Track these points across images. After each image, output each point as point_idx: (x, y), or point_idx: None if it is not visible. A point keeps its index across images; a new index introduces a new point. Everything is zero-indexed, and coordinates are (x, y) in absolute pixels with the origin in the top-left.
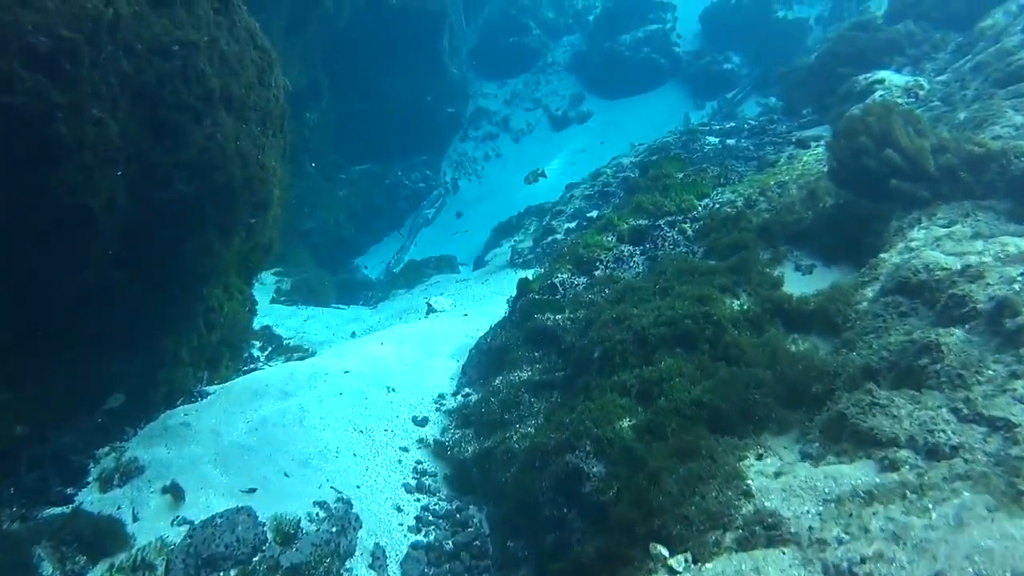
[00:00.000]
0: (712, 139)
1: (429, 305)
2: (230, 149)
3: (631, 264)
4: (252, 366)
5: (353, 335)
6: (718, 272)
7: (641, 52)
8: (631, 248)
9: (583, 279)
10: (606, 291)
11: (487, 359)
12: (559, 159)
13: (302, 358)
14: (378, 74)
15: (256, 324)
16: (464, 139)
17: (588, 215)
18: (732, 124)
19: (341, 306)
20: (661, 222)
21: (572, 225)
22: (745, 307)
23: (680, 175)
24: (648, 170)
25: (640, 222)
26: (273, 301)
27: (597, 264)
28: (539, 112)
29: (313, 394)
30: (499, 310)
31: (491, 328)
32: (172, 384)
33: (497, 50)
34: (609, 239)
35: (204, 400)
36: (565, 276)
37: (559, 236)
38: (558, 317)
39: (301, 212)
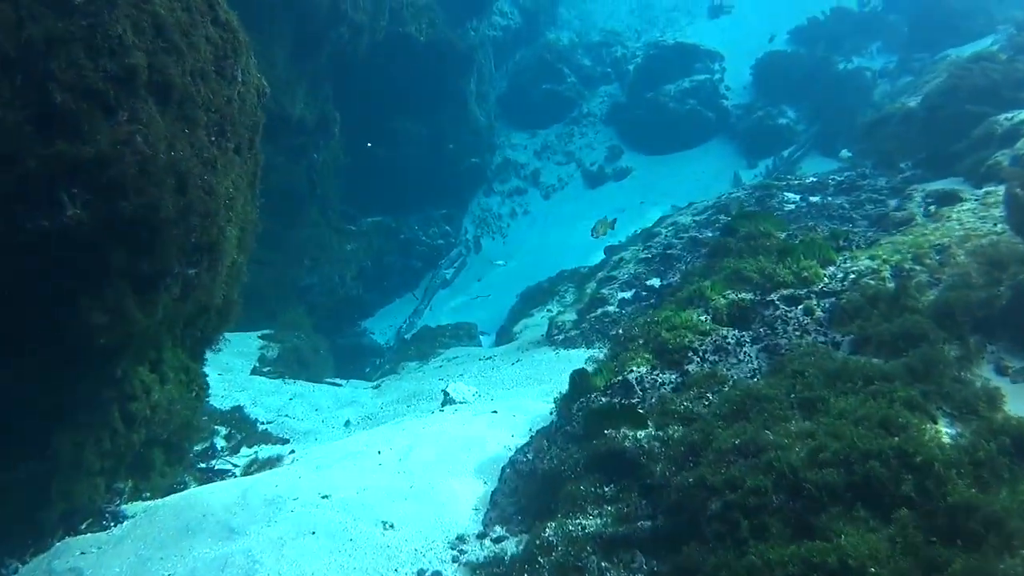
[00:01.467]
0: (792, 195)
1: (446, 394)
2: (158, 162)
3: (740, 357)
4: (210, 463)
5: (347, 424)
6: (893, 377)
7: (686, 104)
8: (736, 333)
9: (671, 376)
10: (711, 398)
11: (530, 487)
12: (593, 219)
13: (271, 463)
14: (396, 116)
15: (227, 402)
16: (489, 193)
17: (648, 283)
18: (813, 179)
19: (338, 381)
20: (775, 297)
21: (628, 295)
22: (960, 440)
23: (782, 235)
24: (737, 228)
25: (743, 296)
26: (255, 372)
27: (690, 355)
28: (572, 167)
29: (271, 533)
30: (538, 406)
31: (533, 437)
32: (72, 500)
33: (528, 98)
34: (701, 318)
35: (117, 528)
36: (643, 371)
37: (611, 308)
38: (640, 436)
39: (301, 265)
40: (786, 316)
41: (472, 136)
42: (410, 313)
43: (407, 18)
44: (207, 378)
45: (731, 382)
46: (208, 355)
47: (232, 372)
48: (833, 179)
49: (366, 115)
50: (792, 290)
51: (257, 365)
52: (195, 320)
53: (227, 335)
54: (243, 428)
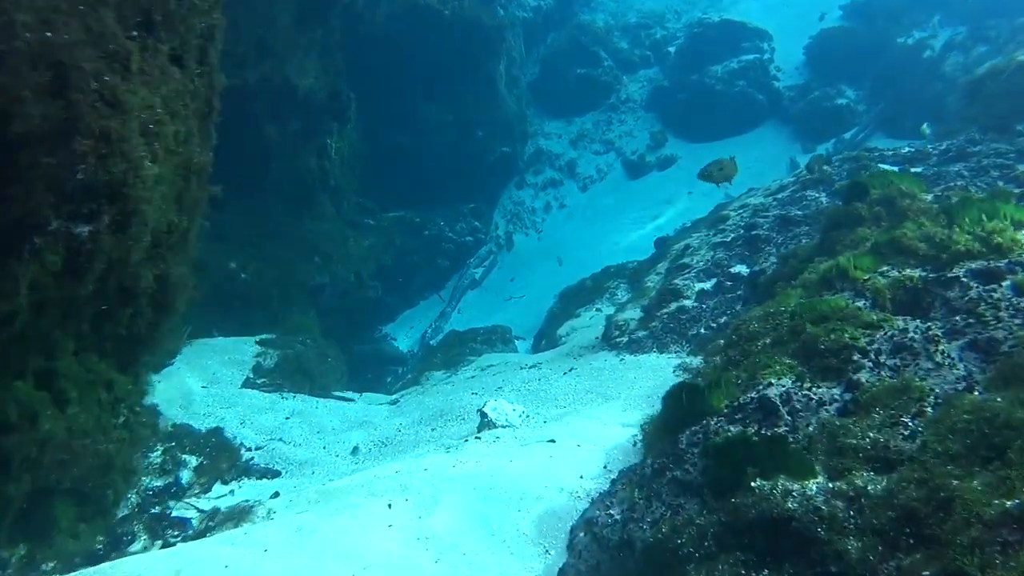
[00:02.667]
0: (888, 166)
1: (483, 415)
2: (15, 38)
3: (936, 359)
4: (170, 506)
5: (355, 451)
6: None
7: (735, 86)
8: (920, 325)
9: (832, 390)
10: (912, 424)
11: (623, 568)
12: (636, 211)
13: (237, 516)
14: (419, 100)
15: (209, 422)
16: (521, 186)
17: (732, 270)
18: (909, 149)
19: (349, 395)
20: (959, 272)
21: (707, 286)
22: None
23: (928, 197)
24: (868, 190)
25: (909, 273)
26: (248, 384)
27: (856, 358)
28: (611, 156)
29: None
30: (611, 432)
31: (615, 481)
32: None
33: (562, 84)
34: (857, 304)
35: None
36: (787, 383)
37: (688, 303)
38: (811, 490)
39: (311, 263)
40: (991, 297)
41: (503, 123)
42: (436, 316)
43: None
44: (156, 395)
45: (937, 398)
46: (189, 364)
47: (219, 384)
48: (935, 148)
49: (386, 98)
50: (983, 262)
51: (251, 376)
52: (113, 312)
53: (218, 340)
54: (222, 457)
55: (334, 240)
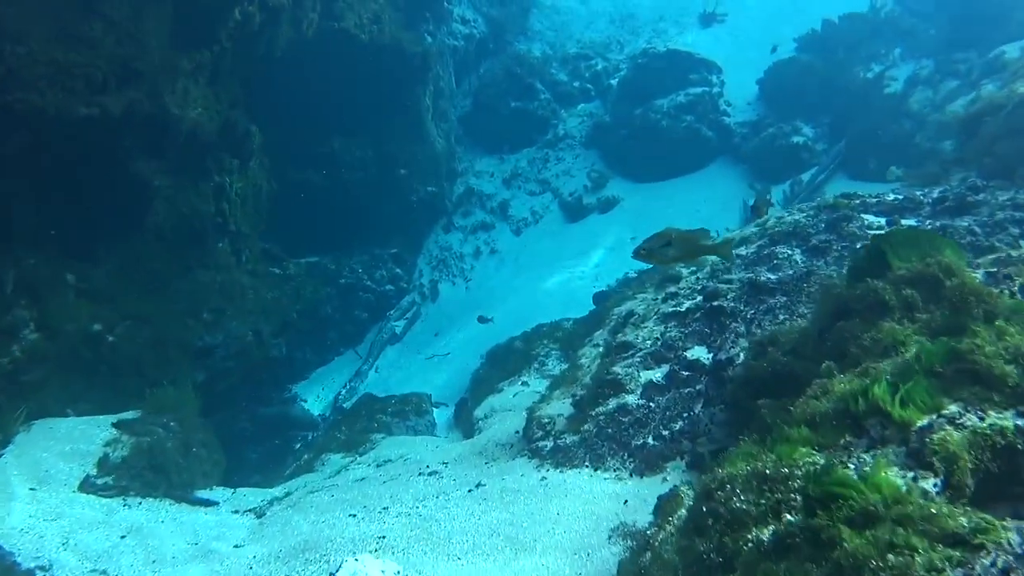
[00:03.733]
0: (873, 218)
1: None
2: None
3: None
4: None
5: None
6: None
7: (682, 121)
8: None
9: None
10: None
11: None
12: (574, 258)
13: None
14: (335, 134)
15: (21, 542)
16: (449, 229)
17: (689, 356)
18: (897, 197)
19: (212, 499)
20: None
21: (657, 376)
22: None
23: (978, 274)
24: (889, 262)
25: (995, 422)
26: (87, 484)
27: None
28: (548, 197)
29: None
30: None
31: None
32: None
33: (495, 118)
34: (922, 486)
35: None
36: None
37: (631, 399)
38: None
39: (198, 320)
40: None
41: (428, 160)
42: (351, 376)
43: (343, 9)
44: None
45: None
46: (20, 456)
47: (51, 485)
48: (925, 195)
49: (297, 132)
50: None
51: (92, 473)
52: None
53: (67, 421)
54: None
55: (229, 293)
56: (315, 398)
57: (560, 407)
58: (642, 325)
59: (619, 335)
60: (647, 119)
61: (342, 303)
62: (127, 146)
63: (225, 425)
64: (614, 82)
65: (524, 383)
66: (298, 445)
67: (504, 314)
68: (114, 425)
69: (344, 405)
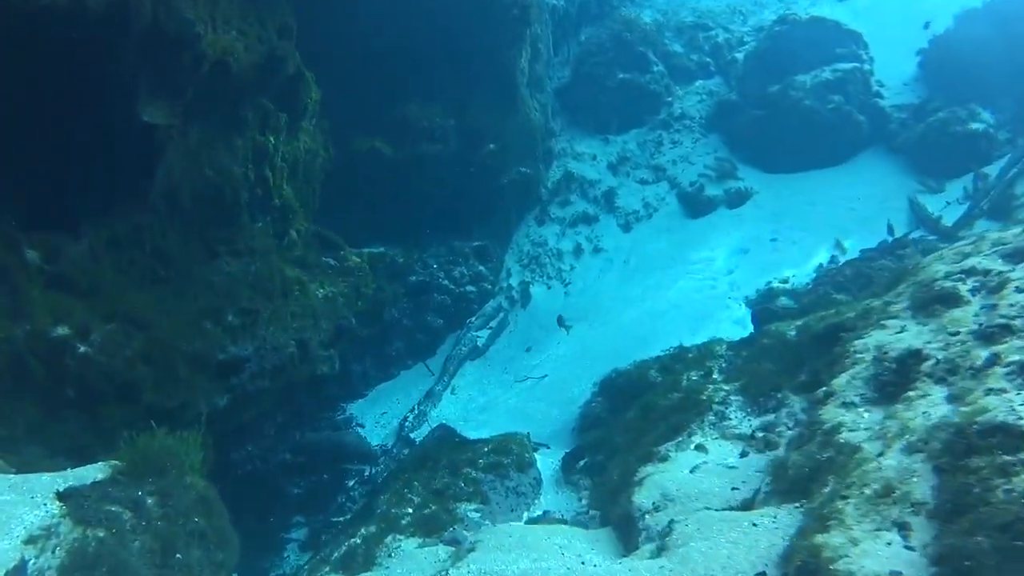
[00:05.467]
0: None
1: None
2: None
3: None
4: None
5: None
6: None
7: (829, 102)
8: None
9: None
10: None
11: None
12: (701, 262)
13: None
14: (409, 96)
15: None
16: (543, 220)
17: None
18: None
19: None
20: None
21: None
22: None
23: None
24: None
25: None
26: None
27: None
28: (663, 186)
29: None
30: None
31: None
32: None
33: (599, 91)
34: None
35: None
36: None
37: None
38: None
39: (220, 324)
40: None
41: (522, 136)
42: (421, 397)
43: None
44: None
45: None
46: None
47: None
48: None
49: (364, 91)
50: None
51: None
52: None
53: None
54: None
55: (267, 288)
56: (374, 423)
57: (880, 555)
58: (982, 377)
59: (916, 393)
60: (786, 98)
61: (412, 306)
62: (124, 72)
63: (257, 460)
64: (739, 56)
65: (700, 447)
66: (352, 482)
67: (615, 329)
68: (58, 496)
69: (411, 435)
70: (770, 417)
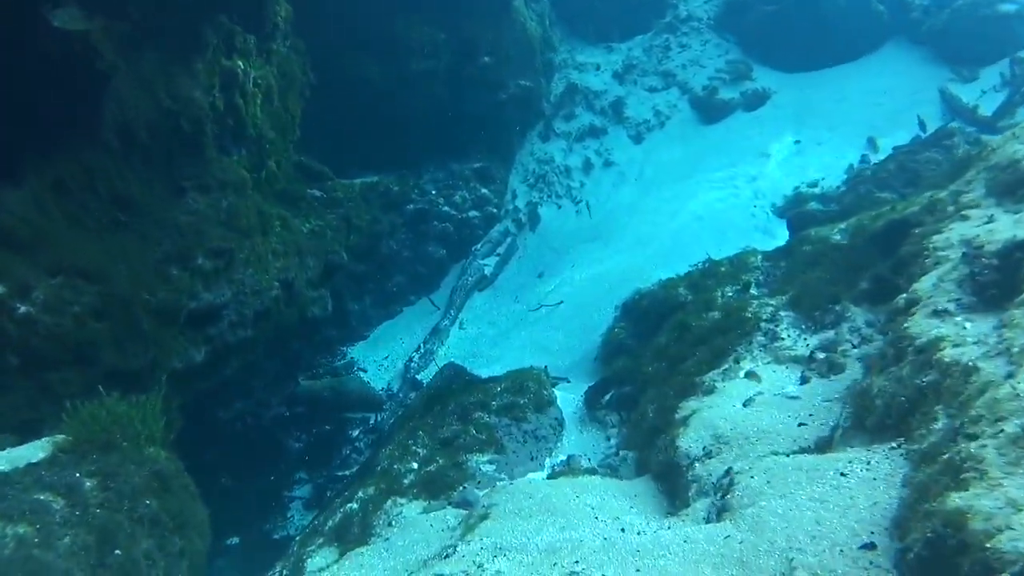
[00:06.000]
0: None
1: None
2: None
3: None
4: None
5: None
6: None
7: None
8: None
9: None
10: None
11: None
12: (721, 168)
13: None
14: (395, 10)
15: None
16: (548, 136)
17: None
18: None
19: None
20: None
21: None
22: None
23: None
24: None
25: None
26: None
27: None
28: (673, 93)
29: None
30: None
31: None
32: None
33: None
34: None
35: None
36: None
37: None
38: None
39: (188, 269)
40: None
41: (519, 46)
42: (427, 334)
43: None
44: None
45: None
46: None
47: None
48: None
49: (342, 6)
50: None
51: None
52: None
53: None
54: None
55: (243, 225)
56: (377, 367)
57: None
58: None
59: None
60: None
61: (411, 236)
62: None
63: (248, 416)
64: None
65: (751, 375)
66: (356, 432)
67: (633, 247)
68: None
69: (418, 376)
70: (829, 334)
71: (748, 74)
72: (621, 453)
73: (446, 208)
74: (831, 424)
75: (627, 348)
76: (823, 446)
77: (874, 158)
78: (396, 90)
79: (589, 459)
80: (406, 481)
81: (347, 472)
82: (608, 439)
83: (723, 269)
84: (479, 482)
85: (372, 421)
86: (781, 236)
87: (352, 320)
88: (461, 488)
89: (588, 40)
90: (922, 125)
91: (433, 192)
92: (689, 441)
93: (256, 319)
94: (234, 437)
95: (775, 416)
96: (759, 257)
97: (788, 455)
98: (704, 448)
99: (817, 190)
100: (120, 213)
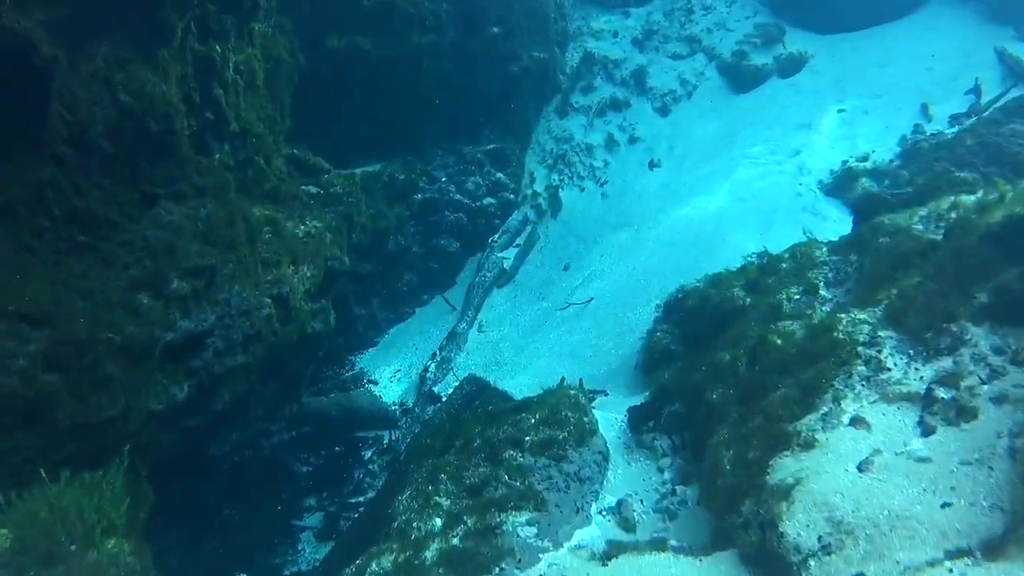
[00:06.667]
0: None
1: None
2: None
3: None
4: None
5: None
6: None
7: None
8: None
9: None
10: None
11: None
12: (760, 142)
13: None
14: None
15: None
16: (565, 112)
17: None
18: None
19: None
20: None
21: None
22: None
23: None
24: None
25: None
26: None
27: None
28: (699, 59)
29: None
30: None
31: None
32: None
33: None
34: None
35: None
36: None
37: None
38: None
39: (160, 295)
40: None
41: (531, 14)
42: (443, 339)
43: None
44: None
45: None
46: None
47: None
48: None
49: None
50: None
51: None
52: None
53: None
54: None
55: (225, 235)
56: (389, 378)
57: None
58: None
59: None
60: None
61: (420, 229)
62: None
63: (247, 447)
64: None
65: (858, 421)
66: (369, 452)
67: (668, 234)
68: None
69: (435, 389)
70: (947, 362)
71: (780, 37)
72: (678, 491)
73: (458, 196)
74: (984, 504)
75: (672, 354)
76: (992, 548)
77: (929, 128)
78: (397, 68)
79: (642, 500)
80: (428, 554)
81: (361, 499)
82: (660, 471)
83: (784, 265)
84: (519, 559)
85: (386, 440)
86: (832, 217)
87: (359, 325)
88: (498, 571)
89: (603, 5)
90: (977, 91)
91: (443, 179)
92: (798, 526)
93: (246, 343)
94: (232, 470)
95: (905, 490)
96: (824, 250)
97: (947, 562)
98: (820, 539)
99: (868, 164)
100: (79, 234)
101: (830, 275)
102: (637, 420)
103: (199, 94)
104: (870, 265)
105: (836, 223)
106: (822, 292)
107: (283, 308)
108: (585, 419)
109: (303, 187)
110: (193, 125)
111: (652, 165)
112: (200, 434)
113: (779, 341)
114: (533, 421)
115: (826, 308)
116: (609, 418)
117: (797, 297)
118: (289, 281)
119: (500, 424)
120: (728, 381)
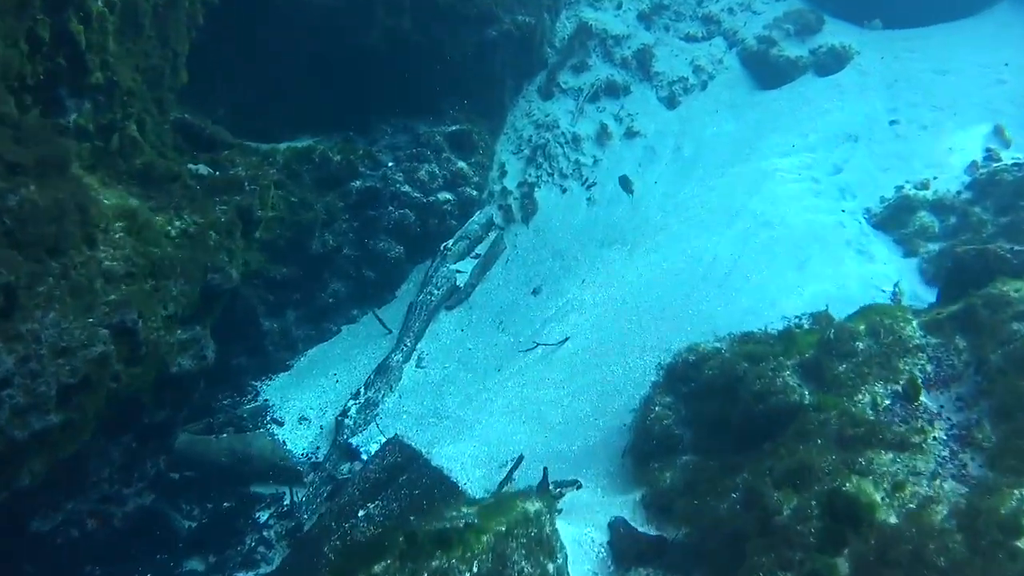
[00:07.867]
0: None
1: None
2: None
3: None
4: None
5: None
6: None
7: None
8: None
9: None
10: None
11: None
12: (792, 153)
13: None
14: None
15: None
16: (550, 93)
17: None
18: None
19: None
20: None
21: None
22: None
23: None
24: None
25: None
26: None
27: None
28: (718, 44)
29: None
30: None
31: None
32: None
33: None
34: None
35: None
36: None
37: None
38: None
39: None
40: None
41: None
42: (370, 373)
43: None
44: None
45: None
46: None
47: None
48: None
49: None
50: None
51: None
52: None
53: None
54: None
55: (42, 236)
56: (298, 419)
57: None
58: None
59: None
60: None
61: (356, 227)
62: None
63: (89, 517)
64: None
65: None
66: (266, 515)
67: (672, 259)
68: None
69: (353, 442)
70: None
71: (819, 26)
72: None
73: (406, 188)
74: None
75: (676, 443)
76: None
77: (1007, 155)
78: (341, 17)
79: None
80: None
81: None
82: None
83: (859, 344)
84: None
85: (287, 501)
86: (880, 258)
87: (268, 344)
88: None
89: None
90: None
91: (389, 164)
92: None
93: (66, 395)
94: (70, 547)
95: None
96: (914, 324)
97: None
98: None
99: (929, 194)
100: None
101: (928, 368)
102: (626, 552)
103: (48, 31)
104: (986, 360)
105: (885, 266)
106: (924, 399)
107: (129, 342)
108: (546, 528)
109: (191, 165)
110: (39, 72)
111: (626, 187)
112: (10, 508)
113: (890, 519)
114: (478, 549)
115: (938, 435)
116: (583, 538)
117: (887, 403)
118: (142, 301)
119: (431, 551)
120: (783, 543)
